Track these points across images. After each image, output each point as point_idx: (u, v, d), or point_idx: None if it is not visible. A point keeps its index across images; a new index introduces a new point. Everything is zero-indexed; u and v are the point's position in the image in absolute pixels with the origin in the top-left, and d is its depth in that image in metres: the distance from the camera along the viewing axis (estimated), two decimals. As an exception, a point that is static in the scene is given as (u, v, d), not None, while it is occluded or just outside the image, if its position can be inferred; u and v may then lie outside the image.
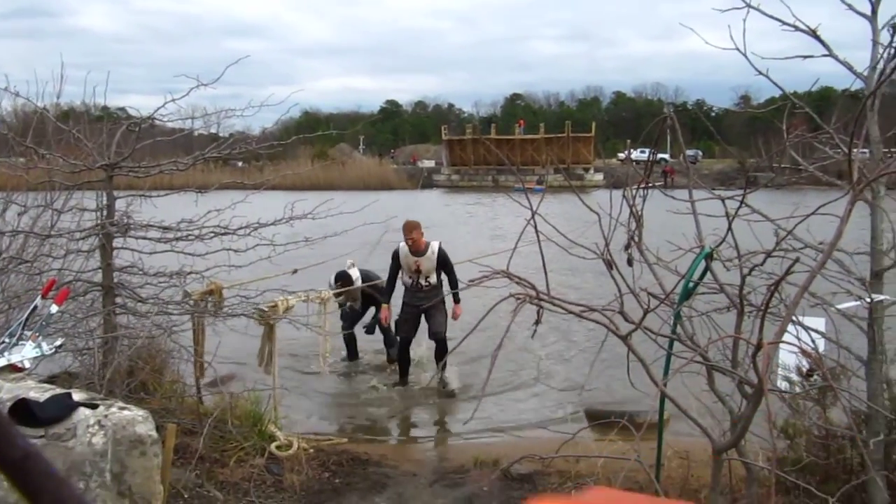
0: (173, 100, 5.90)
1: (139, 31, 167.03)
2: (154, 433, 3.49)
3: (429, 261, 8.29)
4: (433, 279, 8.56)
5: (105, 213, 5.74)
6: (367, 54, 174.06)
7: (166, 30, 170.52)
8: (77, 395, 3.52)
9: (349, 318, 9.36)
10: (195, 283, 6.05)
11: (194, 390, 6.37)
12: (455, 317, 8.42)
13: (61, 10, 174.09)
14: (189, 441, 5.63)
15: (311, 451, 5.95)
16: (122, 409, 3.48)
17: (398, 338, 8.78)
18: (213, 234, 5.83)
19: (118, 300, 5.78)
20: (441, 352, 8.33)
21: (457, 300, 8.41)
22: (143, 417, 3.49)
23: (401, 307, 8.64)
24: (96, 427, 3.34)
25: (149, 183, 6.18)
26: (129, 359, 5.75)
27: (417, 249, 8.33)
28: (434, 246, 8.40)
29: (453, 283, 8.43)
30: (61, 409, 3.33)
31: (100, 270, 5.76)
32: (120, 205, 5.84)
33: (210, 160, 6.62)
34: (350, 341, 9.50)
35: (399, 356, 8.78)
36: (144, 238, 5.81)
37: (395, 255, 8.43)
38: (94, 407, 3.41)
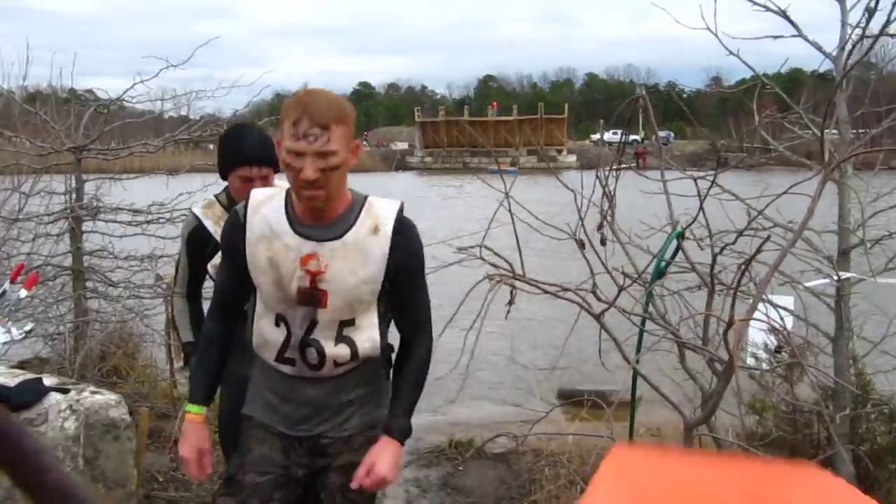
0: (142, 81, 5.82)
1: (110, 13, 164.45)
2: (127, 417, 3.47)
3: (353, 258, 2.20)
4: (363, 340, 2.25)
5: (74, 196, 5.67)
6: (339, 36, 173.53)
7: (136, 10, 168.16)
8: (48, 380, 3.49)
9: None
10: (167, 267, 5.99)
11: (168, 374, 6.33)
12: (377, 482, 2.31)
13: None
14: (163, 425, 5.60)
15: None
16: (94, 393, 3.46)
17: None
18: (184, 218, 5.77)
19: (88, 284, 5.71)
20: None
21: (398, 432, 2.34)
22: (116, 402, 3.47)
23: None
24: (68, 412, 3.31)
25: (118, 165, 6.11)
26: (101, 343, 5.69)
27: (319, 214, 2.23)
28: (387, 213, 2.32)
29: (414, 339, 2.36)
30: (32, 394, 3.30)
31: (69, 254, 5.69)
32: (89, 188, 5.76)
33: (181, 143, 6.53)
34: None
35: None
36: (114, 221, 5.73)
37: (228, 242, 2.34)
38: (65, 392, 3.38)
